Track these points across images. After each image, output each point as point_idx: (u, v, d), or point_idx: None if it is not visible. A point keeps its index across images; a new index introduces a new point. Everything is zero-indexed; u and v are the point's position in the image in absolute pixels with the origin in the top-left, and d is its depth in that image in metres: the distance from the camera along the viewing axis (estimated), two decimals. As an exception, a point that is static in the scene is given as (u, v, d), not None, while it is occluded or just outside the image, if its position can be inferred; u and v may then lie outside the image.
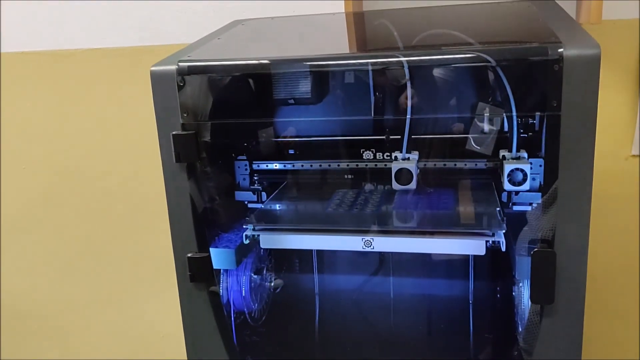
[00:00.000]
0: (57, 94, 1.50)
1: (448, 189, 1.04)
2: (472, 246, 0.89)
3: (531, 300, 0.83)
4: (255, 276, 1.15)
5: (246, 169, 1.11)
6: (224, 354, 0.98)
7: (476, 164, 1.02)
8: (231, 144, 1.10)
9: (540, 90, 0.80)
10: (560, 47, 0.77)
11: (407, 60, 0.87)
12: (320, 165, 1.09)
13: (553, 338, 0.85)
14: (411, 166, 0.95)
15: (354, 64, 0.92)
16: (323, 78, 1.06)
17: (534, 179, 0.95)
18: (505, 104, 0.93)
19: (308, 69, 0.95)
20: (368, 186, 1.10)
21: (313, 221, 1.02)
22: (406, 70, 0.90)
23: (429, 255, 1.18)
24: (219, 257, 0.96)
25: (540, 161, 0.94)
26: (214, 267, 0.96)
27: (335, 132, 1.14)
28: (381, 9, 1.37)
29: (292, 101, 1.11)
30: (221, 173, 1.09)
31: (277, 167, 1.11)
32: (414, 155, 0.97)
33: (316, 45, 1.13)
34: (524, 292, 0.96)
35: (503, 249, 0.90)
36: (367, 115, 1.11)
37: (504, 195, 1.00)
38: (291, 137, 1.15)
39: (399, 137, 1.05)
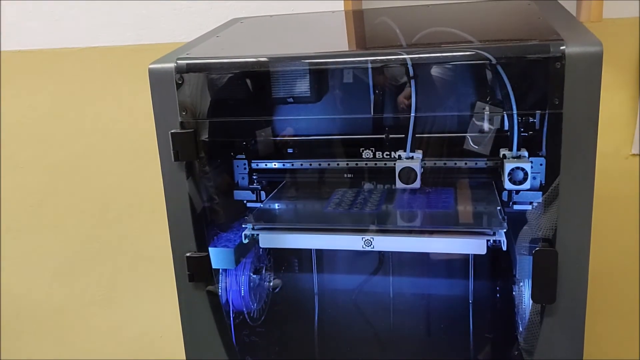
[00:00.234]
0: (55, 93, 1.49)
1: (448, 187, 1.04)
2: (473, 245, 0.89)
3: (532, 300, 0.82)
4: (254, 276, 1.14)
5: (245, 168, 1.11)
6: (223, 353, 0.97)
7: (476, 163, 1.01)
8: (230, 142, 1.10)
9: (542, 88, 0.80)
10: (562, 45, 0.76)
11: (407, 58, 0.87)
12: (319, 165, 1.09)
13: (554, 337, 0.84)
14: (415, 165, 0.95)
15: (353, 62, 0.91)
16: (322, 76, 1.05)
17: (534, 178, 0.94)
18: (506, 102, 0.92)
19: (307, 67, 0.94)
20: (367, 185, 1.09)
21: (312, 220, 1.01)
22: (410, 68, 0.90)
23: (428, 254, 1.17)
24: (217, 256, 0.95)
25: (541, 160, 0.93)
26: (213, 266, 0.95)
27: (334, 131, 1.13)
28: (380, 7, 1.36)
29: (291, 100, 1.10)
30: (220, 172, 1.09)
31: (276, 166, 1.10)
32: (418, 154, 0.97)
33: (315, 43, 1.12)
34: (524, 292, 0.96)
35: (504, 248, 0.89)
36: (367, 114, 1.11)
37: (505, 194, 0.99)
38: (290, 136, 1.14)
39: (399, 136, 1.05)
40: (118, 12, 1.44)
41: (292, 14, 1.34)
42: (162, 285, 1.54)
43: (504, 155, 0.96)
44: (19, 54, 1.49)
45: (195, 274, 0.92)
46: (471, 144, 1.01)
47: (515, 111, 0.93)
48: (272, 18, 1.28)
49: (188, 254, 0.92)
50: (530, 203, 0.95)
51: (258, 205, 1.09)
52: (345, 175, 1.09)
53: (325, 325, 1.20)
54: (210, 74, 0.92)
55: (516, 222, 0.94)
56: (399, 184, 0.96)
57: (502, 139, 0.97)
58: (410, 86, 0.96)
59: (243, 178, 1.11)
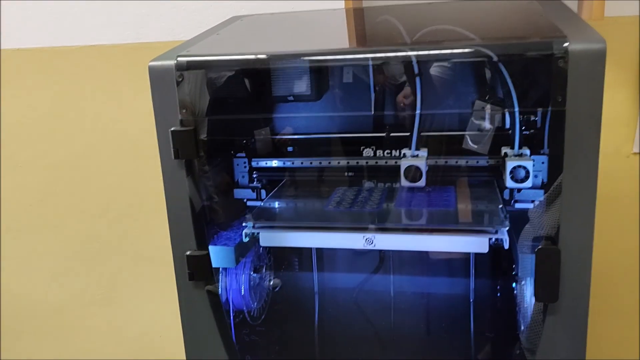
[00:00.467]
0: (55, 92, 1.49)
1: (450, 186, 1.03)
2: (475, 244, 0.88)
3: (535, 298, 0.82)
4: (255, 275, 1.13)
5: (245, 167, 1.10)
6: (223, 353, 0.97)
7: (478, 162, 1.01)
8: (230, 141, 1.09)
9: (544, 85, 0.79)
10: (565, 42, 0.76)
11: (408, 55, 0.86)
12: (320, 163, 1.08)
13: (557, 336, 0.84)
14: (421, 163, 0.95)
15: (354, 59, 0.91)
16: (322, 74, 1.05)
17: (536, 176, 0.94)
18: (508, 100, 0.92)
19: (307, 64, 0.93)
20: (368, 184, 1.09)
21: (313, 219, 1.01)
22: (414, 65, 0.90)
23: (428, 253, 1.17)
24: (218, 255, 0.95)
25: (543, 158, 0.93)
26: (213, 265, 0.94)
27: (335, 129, 1.13)
28: (381, 5, 1.36)
29: (291, 98, 1.10)
30: (220, 170, 1.08)
31: (277, 165, 1.10)
32: (423, 152, 0.96)
33: (316, 41, 1.12)
34: (526, 291, 0.95)
35: (506, 246, 0.89)
36: (367, 112, 1.10)
37: (506, 193, 0.99)
38: (290, 134, 1.14)
39: (399, 134, 1.05)
40: (117, 11, 1.43)
41: (292, 12, 1.34)
42: (162, 285, 1.53)
43: (505, 153, 0.95)
44: (18, 52, 1.49)
45: (195, 272, 0.91)
46: (470, 143, 1.00)
47: (517, 109, 0.93)
48: (273, 16, 1.27)
49: (188, 253, 0.91)
50: (532, 201, 0.94)
51: (258, 204, 1.08)
52: (346, 173, 1.09)
53: (326, 325, 1.19)
54: (211, 72, 0.91)
55: (518, 220, 0.93)
56: (404, 182, 0.96)
57: (503, 137, 0.97)
58: (413, 84, 0.95)
59: (243, 177, 1.11)
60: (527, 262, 0.90)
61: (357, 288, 1.22)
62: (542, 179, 0.94)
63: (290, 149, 1.14)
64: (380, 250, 1.17)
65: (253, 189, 1.10)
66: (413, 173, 0.96)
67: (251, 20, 1.22)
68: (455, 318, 1.15)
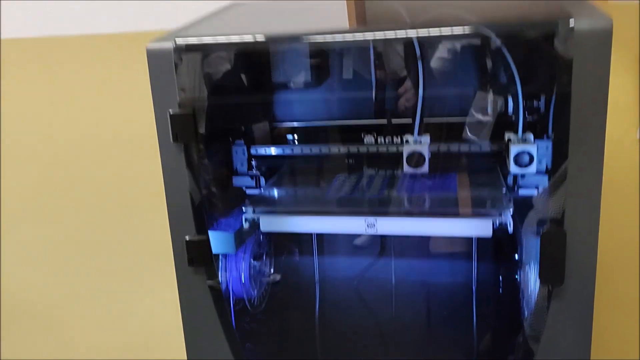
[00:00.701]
0: (52, 82, 1.48)
1: (452, 172, 1.02)
2: (478, 228, 0.87)
3: (540, 282, 0.80)
4: (255, 262, 1.12)
5: (244, 154, 1.09)
6: (224, 341, 0.96)
7: (481, 147, 1.00)
8: (229, 127, 1.08)
9: (549, 66, 0.78)
10: (571, 21, 0.74)
11: (409, 36, 0.85)
12: (320, 150, 1.07)
13: (562, 321, 0.83)
14: (424, 149, 0.94)
15: (354, 40, 0.89)
16: (323, 59, 1.04)
17: (540, 161, 0.93)
18: (511, 85, 0.91)
19: (307, 46, 0.92)
20: (370, 171, 1.08)
21: (314, 204, 0.99)
22: (416, 46, 0.88)
23: (430, 245, 1.16)
24: (217, 241, 0.94)
25: (547, 143, 0.92)
26: (213, 252, 0.93)
27: (335, 116, 1.11)
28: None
29: (291, 84, 1.09)
30: (219, 157, 1.07)
31: (276, 152, 1.08)
32: (426, 139, 0.95)
33: (317, 25, 1.10)
34: (530, 276, 0.94)
35: (510, 230, 0.88)
36: (369, 99, 1.09)
37: (510, 179, 0.98)
38: (290, 121, 1.13)
39: (401, 120, 1.03)
40: (116, 0, 1.42)
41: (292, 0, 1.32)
42: (162, 278, 1.52)
43: (509, 139, 0.94)
44: (15, 42, 1.47)
45: (194, 258, 0.90)
46: (469, 134, 0.99)
47: (520, 92, 0.91)
48: (273, 2, 1.26)
49: (187, 238, 0.90)
50: (536, 187, 0.93)
51: (257, 191, 1.07)
52: (347, 160, 1.08)
53: (327, 313, 1.18)
54: (209, 54, 0.90)
55: (522, 207, 0.92)
56: (407, 169, 0.95)
57: (506, 124, 0.96)
58: (415, 67, 0.94)
59: (242, 164, 1.09)
60: (531, 246, 0.89)
61: (358, 276, 1.20)
62: (547, 165, 0.92)
63: (289, 136, 1.12)
64: (381, 238, 1.16)
65: (252, 176, 1.09)
66: (416, 159, 0.95)
67: (251, 7, 1.20)
68: (458, 306, 1.14)
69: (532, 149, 0.91)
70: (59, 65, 1.45)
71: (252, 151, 1.09)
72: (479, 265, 1.12)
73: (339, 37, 0.87)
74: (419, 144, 0.96)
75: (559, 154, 0.80)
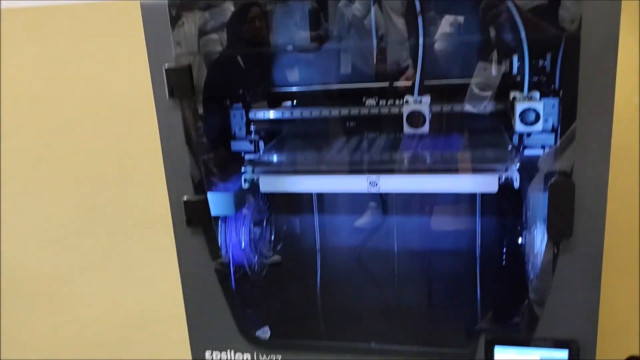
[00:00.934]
0: (49, 52, 1.44)
1: (456, 132, 1.00)
2: (484, 183, 0.85)
3: (548, 235, 0.78)
4: (255, 228, 1.10)
5: (242, 118, 1.06)
6: (224, 305, 0.94)
7: (485, 107, 0.97)
8: (226, 90, 1.05)
9: (558, 10, 0.75)
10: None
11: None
12: (320, 113, 1.04)
13: (569, 278, 0.81)
14: (424, 108, 0.91)
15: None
16: (322, 19, 1.01)
17: (546, 120, 0.90)
18: (517, 43, 0.88)
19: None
20: (371, 134, 1.05)
21: (315, 164, 0.96)
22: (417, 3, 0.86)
23: (435, 206, 1.14)
24: (216, 202, 0.91)
25: (553, 101, 0.89)
26: (212, 214, 0.91)
27: (336, 80, 1.09)
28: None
29: (290, 47, 1.06)
30: (216, 119, 1.04)
31: (275, 116, 1.06)
32: (426, 98, 0.93)
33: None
34: (537, 236, 0.92)
35: (516, 185, 0.85)
36: (370, 62, 1.07)
37: (515, 138, 0.95)
38: (289, 84, 1.10)
39: (403, 83, 1.01)
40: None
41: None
42: (161, 251, 1.49)
43: (514, 97, 0.92)
44: (13, 11, 1.44)
45: (192, 217, 0.88)
46: (470, 106, 0.97)
47: (526, 49, 0.89)
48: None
49: (185, 198, 0.87)
50: (542, 147, 0.91)
51: (257, 156, 1.05)
52: (348, 124, 1.05)
53: (328, 280, 1.16)
54: (205, 7, 0.87)
55: (528, 166, 0.90)
56: (407, 129, 0.93)
57: (511, 85, 0.94)
58: (415, 23, 0.92)
59: (240, 128, 1.07)
60: (538, 203, 0.87)
61: (360, 244, 1.18)
62: (553, 123, 0.90)
63: (288, 100, 1.10)
64: (384, 205, 1.14)
65: (251, 141, 1.06)
66: (416, 118, 0.93)
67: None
68: (462, 272, 1.12)
69: (539, 106, 0.89)
70: (57, 34, 1.42)
71: (251, 115, 1.06)
72: (482, 231, 1.10)
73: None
74: (418, 103, 0.93)
75: (567, 110, 0.78)
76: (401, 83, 1.02)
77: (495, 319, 0.95)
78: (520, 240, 1.03)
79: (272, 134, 1.08)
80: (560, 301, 0.82)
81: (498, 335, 0.85)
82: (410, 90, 0.95)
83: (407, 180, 0.86)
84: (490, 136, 0.98)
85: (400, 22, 1.01)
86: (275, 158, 0.99)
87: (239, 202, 0.96)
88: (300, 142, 1.06)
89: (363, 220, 1.18)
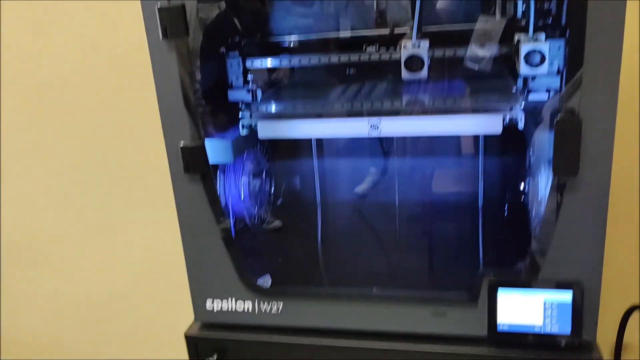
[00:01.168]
0: (38, 6, 1.40)
1: (458, 77, 0.97)
2: (488, 124, 0.83)
3: (553, 174, 0.76)
4: (254, 180, 1.09)
5: (239, 67, 1.03)
6: (224, 253, 0.93)
7: (486, 65, 0.95)
8: (221, 38, 1.02)
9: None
10: None
11: None
12: (319, 60, 1.02)
13: (575, 218, 0.79)
14: (422, 53, 0.89)
15: None
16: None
17: (551, 63, 0.88)
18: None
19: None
20: (371, 81, 1.03)
21: (314, 108, 0.94)
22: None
23: (437, 155, 1.12)
24: (214, 149, 0.89)
25: (559, 42, 0.86)
26: (210, 162, 0.89)
27: (335, 27, 1.06)
28: None
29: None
30: (213, 64, 1.01)
31: (273, 64, 1.03)
32: (425, 43, 0.90)
33: None
34: (541, 181, 0.90)
35: (520, 126, 0.83)
36: (370, 8, 1.04)
37: (520, 82, 0.93)
38: (287, 32, 1.07)
39: (404, 29, 0.98)
40: None
41: None
42: (160, 209, 1.49)
43: (518, 39, 0.89)
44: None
45: (190, 163, 0.86)
46: (470, 62, 0.94)
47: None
48: None
49: (182, 144, 0.86)
50: (547, 91, 0.89)
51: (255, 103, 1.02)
52: (347, 71, 1.03)
53: (329, 232, 1.15)
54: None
55: (532, 111, 0.88)
56: (405, 74, 0.90)
57: (515, 28, 0.91)
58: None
59: (237, 78, 1.04)
60: (543, 144, 0.85)
61: (361, 197, 1.17)
62: (558, 66, 0.87)
63: (287, 47, 1.07)
64: (386, 154, 1.12)
65: (248, 90, 1.04)
66: (414, 63, 0.90)
67: None
68: (464, 220, 1.11)
69: (544, 47, 0.86)
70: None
71: (248, 64, 1.03)
72: (485, 177, 1.07)
73: None
74: (417, 48, 0.91)
75: (573, 51, 0.75)
76: (402, 30, 1.00)
77: (499, 263, 0.94)
78: (523, 185, 1.02)
79: (270, 83, 1.06)
80: (565, 243, 0.81)
81: (501, 277, 0.84)
82: (409, 36, 0.92)
83: (409, 123, 0.84)
84: (493, 80, 0.95)
85: None
86: (273, 104, 0.96)
87: (238, 150, 0.95)
88: (299, 89, 1.04)
89: (363, 187, 1.17)
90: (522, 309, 0.83)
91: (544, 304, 0.82)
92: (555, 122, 0.74)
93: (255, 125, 0.91)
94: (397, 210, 1.13)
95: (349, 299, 0.91)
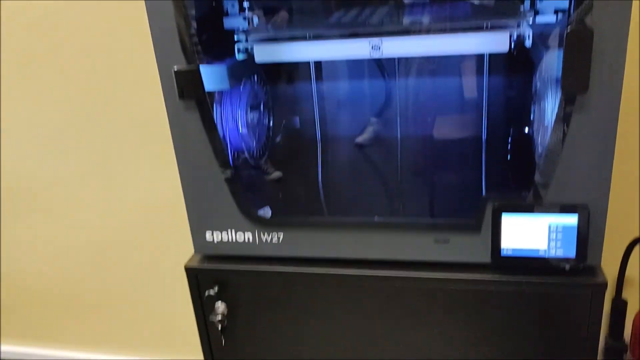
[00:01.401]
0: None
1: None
2: (494, 41, 0.79)
3: (562, 91, 0.73)
4: (253, 112, 1.06)
5: (234, -8, 0.99)
6: (223, 184, 0.91)
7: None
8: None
9: None
10: None
11: None
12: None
13: (583, 137, 0.77)
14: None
15: None
16: None
17: (560, -19, 0.83)
18: None
19: None
20: (372, 3, 0.98)
21: (313, 29, 0.90)
22: None
23: (440, 85, 1.08)
24: (210, 75, 0.86)
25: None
26: (206, 89, 0.86)
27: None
28: None
29: None
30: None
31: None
32: None
33: None
34: (548, 103, 0.87)
35: (528, 43, 0.80)
36: None
37: (527, 3, 0.89)
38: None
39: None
40: None
41: None
42: (158, 151, 1.46)
43: (525, -44, 0.84)
44: None
45: (185, 88, 0.83)
46: None
47: None
48: None
49: (176, 68, 0.82)
50: (555, 12, 0.85)
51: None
52: None
53: (329, 167, 1.13)
54: None
55: (540, 35, 0.84)
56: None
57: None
58: None
59: (233, 5, 1.00)
60: (552, 64, 0.82)
61: (362, 130, 1.14)
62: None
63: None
64: (387, 83, 1.09)
65: (244, 18, 0.99)
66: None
67: None
68: (467, 145, 1.08)
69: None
70: None
71: (244, -12, 0.99)
72: (490, 99, 1.03)
73: None
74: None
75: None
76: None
77: (503, 190, 0.92)
78: (530, 106, 0.99)
79: (267, 10, 1.02)
80: (572, 165, 0.79)
81: (505, 202, 0.82)
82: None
83: (412, 43, 0.81)
84: (499, 3, 0.91)
85: None
86: (271, 28, 0.93)
87: (234, 77, 0.91)
88: (297, 16, 0.99)
89: (364, 137, 1.13)
90: (527, 233, 0.81)
91: (549, 227, 0.81)
92: (565, 34, 0.70)
93: (252, 49, 0.87)
94: (399, 141, 1.10)
95: (350, 227, 0.89)
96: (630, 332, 1.31)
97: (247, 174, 1.05)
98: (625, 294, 1.27)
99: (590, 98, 0.74)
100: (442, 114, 1.07)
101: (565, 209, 0.80)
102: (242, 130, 1.04)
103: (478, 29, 0.79)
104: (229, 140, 1.01)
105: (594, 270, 0.84)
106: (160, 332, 1.71)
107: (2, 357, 1.87)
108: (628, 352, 1.30)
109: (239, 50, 0.88)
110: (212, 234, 0.94)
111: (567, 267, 0.82)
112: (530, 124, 1.00)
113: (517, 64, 0.93)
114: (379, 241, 0.89)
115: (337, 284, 0.91)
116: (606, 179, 0.80)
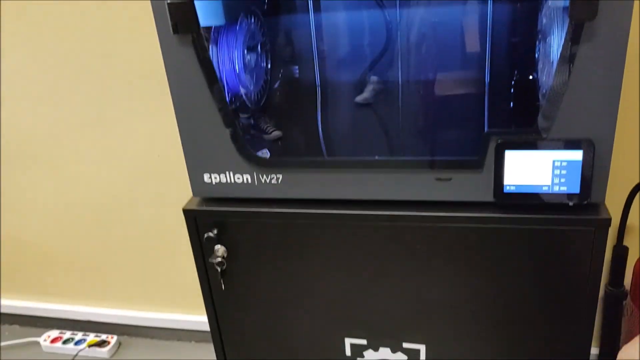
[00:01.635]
0: None
1: None
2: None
3: (570, 18, 0.71)
4: (250, 54, 1.03)
5: None
6: (220, 125, 0.89)
7: None
8: None
9: None
10: None
11: None
12: None
13: (590, 69, 0.75)
14: None
15: None
16: None
17: None
18: None
19: None
20: None
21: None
22: None
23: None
24: (204, 9, 0.83)
25: None
26: (201, 24, 0.83)
27: None
28: None
29: None
30: None
31: None
32: None
33: None
34: (553, 41, 0.85)
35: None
36: None
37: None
38: None
39: None
40: None
41: None
42: (157, 102, 1.44)
43: None
44: None
45: (179, 23, 0.80)
46: None
47: None
48: None
49: (169, 0, 0.79)
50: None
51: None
52: None
53: (329, 111, 1.10)
54: None
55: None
56: None
57: None
58: None
59: None
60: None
61: (362, 75, 1.11)
62: None
63: None
64: (386, 26, 1.06)
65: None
66: None
67: None
68: (469, 83, 1.05)
69: None
70: None
71: None
72: (493, 36, 1.01)
73: None
74: None
75: None
76: None
77: (506, 125, 0.90)
78: (535, 44, 0.96)
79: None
80: (577, 99, 0.77)
81: (509, 138, 0.80)
82: None
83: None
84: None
85: None
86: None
87: (230, 12, 0.88)
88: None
89: (364, 96, 1.11)
90: (530, 169, 0.80)
91: (553, 163, 0.79)
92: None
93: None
94: (399, 82, 1.08)
95: (350, 167, 0.88)
96: (630, 279, 1.31)
97: (245, 118, 1.03)
98: (625, 242, 1.26)
99: (599, 26, 0.71)
100: (445, 54, 1.05)
101: (569, 144, 0.79)
102: (239, 72, 1.01)
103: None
104: (226, 81, 0.99)
105: (598, 207, 0.83)
106: (163, 286, 1.72)
107: (3, 311, 1.88)
108: (628, 299, 1.30)
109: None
110: (210, 176, 0.93)
111: (571, 203, 0.81)
112: (535, 62, 0.97)
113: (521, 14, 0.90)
114: (379, 181, 0.87)
115: (338, 224, 0.90)
116: (612, 114, 0.78)
